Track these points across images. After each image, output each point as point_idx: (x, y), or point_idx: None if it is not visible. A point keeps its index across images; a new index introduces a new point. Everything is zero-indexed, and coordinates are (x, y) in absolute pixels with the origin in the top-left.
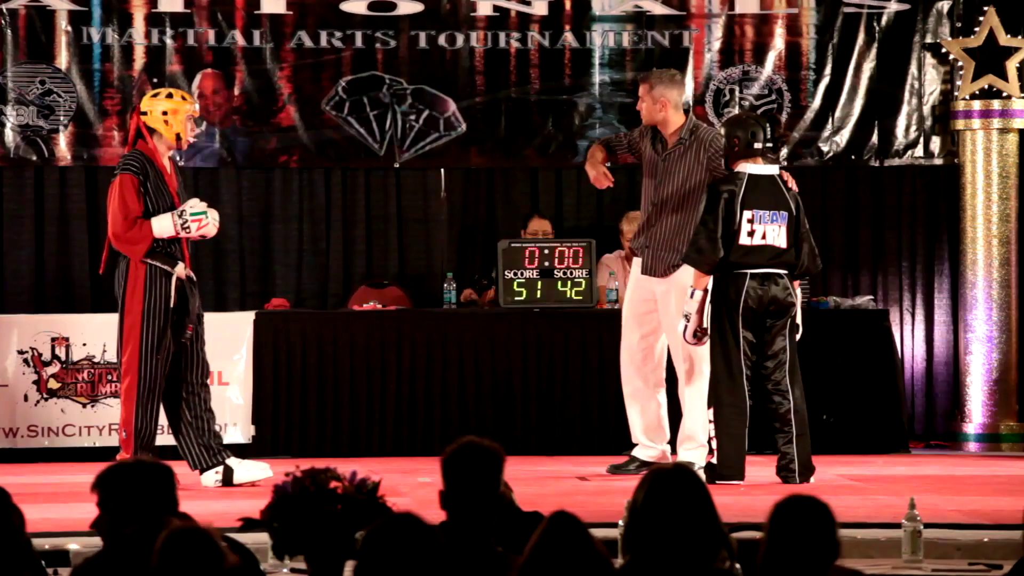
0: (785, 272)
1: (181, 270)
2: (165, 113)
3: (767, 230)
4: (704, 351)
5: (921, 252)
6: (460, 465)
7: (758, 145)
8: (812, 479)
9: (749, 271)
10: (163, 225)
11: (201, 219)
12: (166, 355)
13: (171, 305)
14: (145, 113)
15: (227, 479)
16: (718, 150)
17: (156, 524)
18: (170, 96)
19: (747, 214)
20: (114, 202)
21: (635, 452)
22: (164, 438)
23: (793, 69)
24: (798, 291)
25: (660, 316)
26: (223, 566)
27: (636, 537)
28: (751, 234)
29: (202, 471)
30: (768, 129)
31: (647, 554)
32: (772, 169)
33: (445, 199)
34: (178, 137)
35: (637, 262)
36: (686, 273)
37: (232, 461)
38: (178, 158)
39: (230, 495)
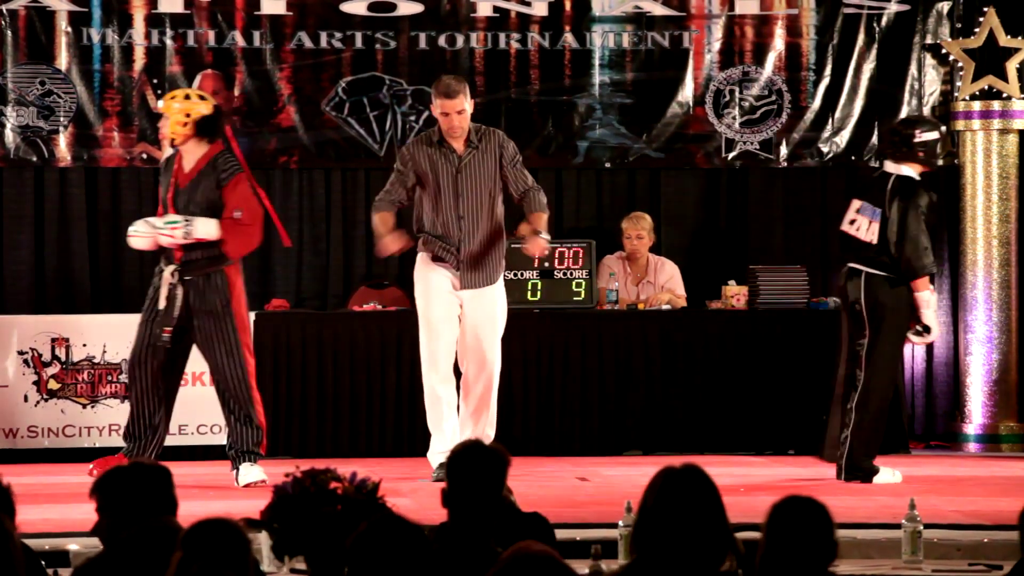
0: None
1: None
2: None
3: None
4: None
5: None
6: (464, 465)
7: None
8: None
9: None
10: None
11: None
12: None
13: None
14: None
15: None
16: (513, 157)
17: (156, 525)
18: (173, 97)
19: None
20: (254, 198)
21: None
22: (170, 439)
23: (793, 70)
24: None
25: (467, 323)
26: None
27: (644, 537)
28: None
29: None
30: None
31: (654, 554)
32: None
33: None
34: (172, 141)
35: (442, 273)
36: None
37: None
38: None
39: (229, 495)
